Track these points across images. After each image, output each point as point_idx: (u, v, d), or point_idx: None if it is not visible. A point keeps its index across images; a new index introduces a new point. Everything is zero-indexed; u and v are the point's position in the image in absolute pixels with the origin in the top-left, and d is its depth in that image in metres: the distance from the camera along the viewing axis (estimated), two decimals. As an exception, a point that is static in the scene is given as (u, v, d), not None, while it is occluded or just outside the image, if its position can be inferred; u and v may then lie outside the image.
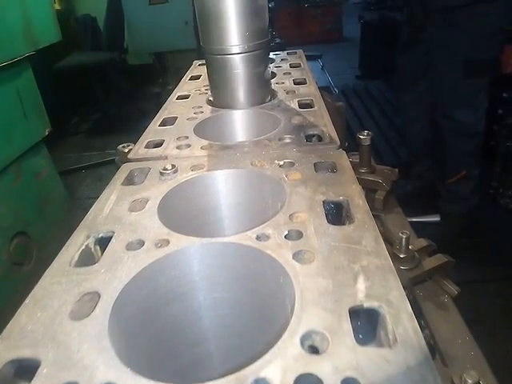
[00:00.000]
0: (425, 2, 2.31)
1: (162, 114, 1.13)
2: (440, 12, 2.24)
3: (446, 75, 2.37)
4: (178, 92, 1.30)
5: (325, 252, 0.55)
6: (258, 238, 0.60)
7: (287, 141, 0.91)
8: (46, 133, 1.73)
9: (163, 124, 1.07)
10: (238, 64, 1.07)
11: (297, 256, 0.55)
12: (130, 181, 0.83)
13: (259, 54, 1.08)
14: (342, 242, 0.57)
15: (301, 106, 1.10)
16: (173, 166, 0.81)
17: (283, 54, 1.63)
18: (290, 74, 1.37)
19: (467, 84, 2.30)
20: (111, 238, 0.64)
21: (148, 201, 0.72)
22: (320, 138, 0.94)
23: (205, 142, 0.93)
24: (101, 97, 5.04)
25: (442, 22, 2.26)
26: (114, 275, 0.55)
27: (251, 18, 1.02)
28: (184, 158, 0.87)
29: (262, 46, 1.08)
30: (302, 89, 1.21)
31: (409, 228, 1.42)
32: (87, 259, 0.62)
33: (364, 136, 1.29)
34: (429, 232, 2.56)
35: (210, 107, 1.14)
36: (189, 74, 1.49)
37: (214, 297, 0.65)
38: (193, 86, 1.34)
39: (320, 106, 1.06)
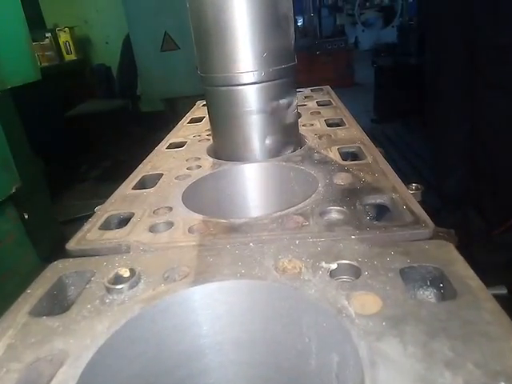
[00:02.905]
0: (472, 41, 1.98)
1: (143, 169, 0.77)
2: (493, 49, 1.94)
3: (500, 112, 2.03)
4: (170, 138, 0.94)
5: None
6: None
7: (335, 217, 0.52)
8: (13, 190, 1.37)
9: (140, 185, 0.70)
10: (251, 98, 0.71)
11: None
12: (52, 299, 0.44)
13: (282, 85, 0.72)
14: None
15: (344, 156, 0.72)
16: (131, 271, 0.43)
17: (306, 90, 1.29)
18: (319, 113, 1.01)
19: None
20: None
21: (63, 364, 0.33)
22: (382, 210, 0.56)
23: (196, 218, 0.55)
24: (112, 144, 4.83)
25: (494, 59, 1.96)
26: None
27: (270, 32, 0.68)
28: (157, 250, 0.49)
29: (285, 73, 0.72)
30: (340, 132, 0.84)
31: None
32: None
33: (413, 191, 0.89)
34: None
35: (211, 159, 0.77)
36: (189, 116, 1.15)
37: None
38: (192, 131, 0.99)
39: (376, 158, 0.68)
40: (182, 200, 0.61)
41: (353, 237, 0.46)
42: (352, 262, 0.41)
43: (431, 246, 0.43)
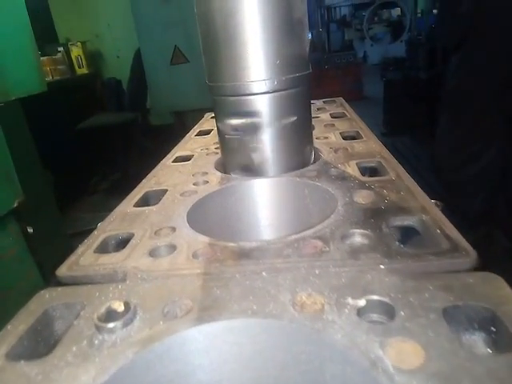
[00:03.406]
0: None
1: (146, 184, 0.71)
2: None
3: None
4: (177, 151, 0.89)
5: None
6: None
7: (359, 241, 0.46)
8: (15, 204, 1.32)
9: (143, 202, 0.65)
10: (262, 109, 0.66)
11: None
12: (36, 336, 0.38)
13: (296, 94, 0.67)
14: None
15: (363, 171, 0.66)
16: (126, 305, 0.37)
17: (319, 102, 1.23)
18: (333, 125, 0.95)
19: None
20: None
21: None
22: (408, 233, 0.49)
23: (202, 241, 0.49)
24: (121, 156, 4.83)
25: None
26: None
27: (283, 37, 0.63)
28: (157, 279, 0.43)
29: (300, 82, 0.67)
30: (357, 145, 0.78)
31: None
32: None
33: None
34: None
35: (219, 174, 0.72)
36: (197, 129, 1.10)
37: None
38: (199, 144, 0.94)
39: (399, 174, 0.62)
40: (187, 219, 0.55)
41: (382, 266, 0.40)
42: (384, 299, 0.35)
43: (476, 280, 0.36)
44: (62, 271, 0.46)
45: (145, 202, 0.65)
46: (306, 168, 0.69)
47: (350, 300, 0.35)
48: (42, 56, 4.46)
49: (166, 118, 4.52)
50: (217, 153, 0.83)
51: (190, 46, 3.55)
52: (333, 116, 1.05)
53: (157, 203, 0.62)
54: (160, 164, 0.82)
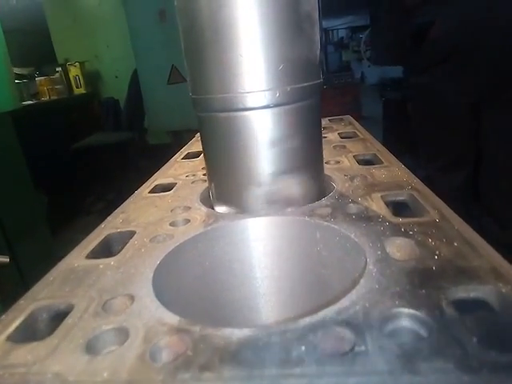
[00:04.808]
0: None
1: (111, 223, 0.55)
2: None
3: None
4: (157, 179, 0.73)
5: None
6: None
7: (411, 331, 0.29)
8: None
9: (101, 250, 0.48)
10: (261, 128, 0.50)
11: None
12: None
13: (303, 109, 0.52)
14: None
15: (391, 207, 0.50)
16: None
17: (324, 121, 1.08)
18: (344, 147, 0.80)
19: None
20: None
21: None
22: (483, 308, 0.33)
23: (168, 324, 0.32)
24: (117, 176, 4.70)
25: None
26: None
27: (288, 36, 0.48)
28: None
29: (308, 94, 0.51)
30: (377, 172, 0.63)
31: None
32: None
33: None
34: None
35: (204, 210, 0.55)
36: (185, 151, 0.94)
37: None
38: (185, 169, 0.78)
39: (443, 213, 0.46)
40: (153, 281, 0.38)
41: (463, 392, 0.23)
42: None
43: None
44: None
45: (105, 248, 0.49)
46: (318, 202, 0.53)
47: None
48: (40, 76, 4.38)
49: (164, 138, 4.40)
50: (204, 180, 0.67)
51: (187, 65, 3.46)
52: (342, 136, 0.90)
53: (118, 252, 0.46)
54: (134, 195, 0.65)
